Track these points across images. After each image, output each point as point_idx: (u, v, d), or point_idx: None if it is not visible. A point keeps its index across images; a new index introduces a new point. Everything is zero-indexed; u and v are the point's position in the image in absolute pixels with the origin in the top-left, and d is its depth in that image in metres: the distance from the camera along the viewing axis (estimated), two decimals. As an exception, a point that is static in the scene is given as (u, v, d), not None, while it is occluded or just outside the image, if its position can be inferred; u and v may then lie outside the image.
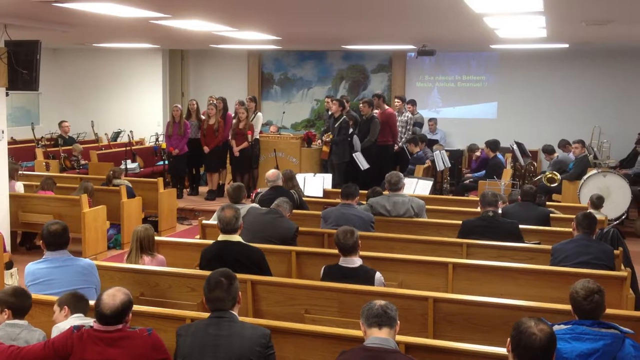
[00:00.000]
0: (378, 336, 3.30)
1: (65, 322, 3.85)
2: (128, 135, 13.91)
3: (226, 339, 3.50)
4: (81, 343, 3.49)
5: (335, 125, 10.99)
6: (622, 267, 5.71)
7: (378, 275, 4.87)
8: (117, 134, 14.90)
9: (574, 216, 5.87)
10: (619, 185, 9.57)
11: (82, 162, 12.20)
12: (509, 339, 3.02)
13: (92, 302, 3.99)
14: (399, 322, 3.39)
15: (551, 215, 7.28)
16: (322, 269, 5.04)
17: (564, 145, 11.66)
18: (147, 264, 5.43)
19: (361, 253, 5.02)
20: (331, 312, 4.75)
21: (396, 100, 12.68)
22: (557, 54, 13.28)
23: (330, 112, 11.48)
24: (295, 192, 7.61)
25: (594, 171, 9.90)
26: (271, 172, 7.55)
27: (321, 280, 4.99)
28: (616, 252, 5.68)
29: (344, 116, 11.08)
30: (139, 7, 6.96)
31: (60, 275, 4.63)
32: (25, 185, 9.17)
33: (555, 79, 13.97)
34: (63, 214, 8.16)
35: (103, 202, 8.77)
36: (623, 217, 9.83)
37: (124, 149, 12.42)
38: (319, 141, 11.72)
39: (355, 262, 4.89)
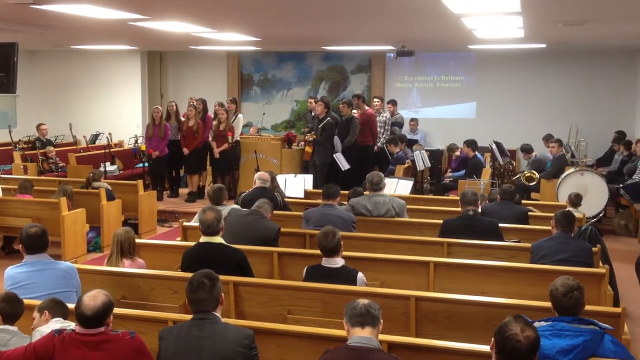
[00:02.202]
0: (361, 335, 3.32)
1: (46, 326, 3.82)
2: (107, 138, 13.81)
3: (209, 341, 3.49)
4: (63, 347, 3.46)
5: (319, 126, 10.99)
6: (600, 264, 5.78)
7: (360, 275, 4.89)
8: (95, 137, 14.79)
9: (552, 214, 5.94)
10: (597, 184, 9.68)
11: (61, 164, 12.09)
12: (493, 339, 3.04)
13: (72, 306, 3.96)
14: (382, 321, 3.41)
15: (530, 213, 7.35)
16: (305, 269, 5.05)
17: (547, 139, 11.72)
18: (127, 268, 5.40)
19: (343, 253, 5.04)
20: (314, 312, 4.75)
21: (375, 100, 12.73)
22: (534, 54, 13.41)
23: (313, 113, 11.48)
24: (278, 193, 7.61)
25: (572, 170, 10.01)
26: (263, 174, 7.51)
27: (304, 280, 5.00)
28: (594, 249, 5.75)
29: (328, 117, 11.09)
30: (117, 9, 6.93)
31: (40, 279, 4.60)
32: (3, 189, 9.08)
33: (533, 79, 14.10)
34: (42, 218, 8.06)
35: (82, 205, 8.69)
36: (601, 214, 9.94)
37: (102, 151, 12.32)
38: (302, 143, 11.72)
39: (338, 262, 4.91)
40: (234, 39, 10.90)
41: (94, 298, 3.51)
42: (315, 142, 11.00)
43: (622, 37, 10.16)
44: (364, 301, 3.41)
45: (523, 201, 8.27)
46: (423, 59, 14.56)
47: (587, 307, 3.79)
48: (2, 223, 8.46)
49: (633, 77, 13.51)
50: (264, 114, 14.86)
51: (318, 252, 5.04)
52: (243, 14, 7.76)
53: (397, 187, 9.21)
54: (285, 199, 7.95)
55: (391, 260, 5.68)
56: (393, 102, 13.38)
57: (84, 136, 14.30)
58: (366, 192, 7.38)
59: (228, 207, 6.61)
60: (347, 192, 7.70)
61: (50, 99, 16.03)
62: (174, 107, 12.21)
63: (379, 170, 10.19)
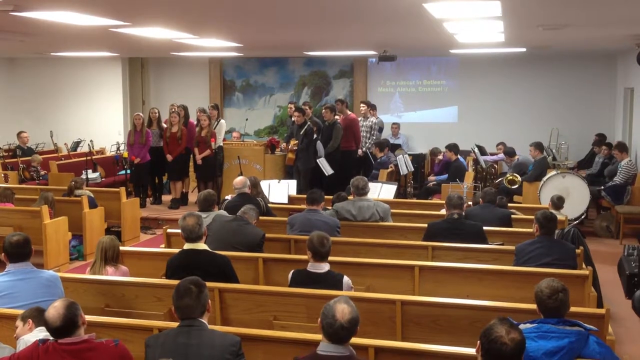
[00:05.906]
0: (331, 344, 3.27)
1: (31, 335, 3.78)
2: (88, 145, 13.70)
3: (196, 348, 3.47)
4: (46, 356, 3.42)
5: (301, 133, 10.98)
6: (584, 265, 5.83)
7: (346, 279, 4.88)
8: (77, 144, 14.67)
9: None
10: (578, 186, 9.75)
11: (42, 172, 11.98)
12: (478, 342, 3.04)
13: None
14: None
15: (512, 216, 7.40)
16: (291, 273, 5.03)
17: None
18: (110, 275, 5.36)
19: (328, 258, 5.03)
20: (300, 318, 4.74)
21: (362, 105, 12.75)
22: (515, 58, 13.54)
23: (293, 119, 11.48)
24: (261, 199, 7.60)
25: (553, 172, 10.08)
26: (239, 179, 7.53)
27: (289, 285, 4.98)
28: (577, 251, 5.79)
29: (308, 122, 11.09)
30: (98, 16, 6.89)
31: (23, 288, 4.54)
32: (-17, 198, 8.97)
33: (514, 83, 14.22)
34: (23, 226, 7.97)
35: (64, 213, 8.62)
36: (582, 216, 10.01)
37: (84, 158, 12.23)
38: (284, 144, 11.69)
39: (324, 267, 4.90)
40: (216, 45, 10.87)
41: (55, 307, 3.47)
42: (299, 150, 10.97)
43: (601, 41, 10.26)
44: (342, 319, 3.24)
45: (506, 204, 8.31)
46: (405, 64, 14.63)
47: (572, 309, 3.81)
48: (-17, 232, 8.36)
49: (612, 80, 13.66)
50: (246, 119, 14.84)
51: (303, 257, 5.04)
52: (224, 20, 7.75)
53: (381, 191, 9.23)
54: (269, 205, 7.94)
55: (376, 265, 5.68)
56: (372, 107, 13.39)
57: (65, 143, 14.19)
58: (350, 197, 7.39)
59: (213, 213, 6.59)
60: (331, 197, 7.71)
61: (31, 106, 15.90)
62: (157, 113, 12.14)
63: (363, 174, 10.21)
